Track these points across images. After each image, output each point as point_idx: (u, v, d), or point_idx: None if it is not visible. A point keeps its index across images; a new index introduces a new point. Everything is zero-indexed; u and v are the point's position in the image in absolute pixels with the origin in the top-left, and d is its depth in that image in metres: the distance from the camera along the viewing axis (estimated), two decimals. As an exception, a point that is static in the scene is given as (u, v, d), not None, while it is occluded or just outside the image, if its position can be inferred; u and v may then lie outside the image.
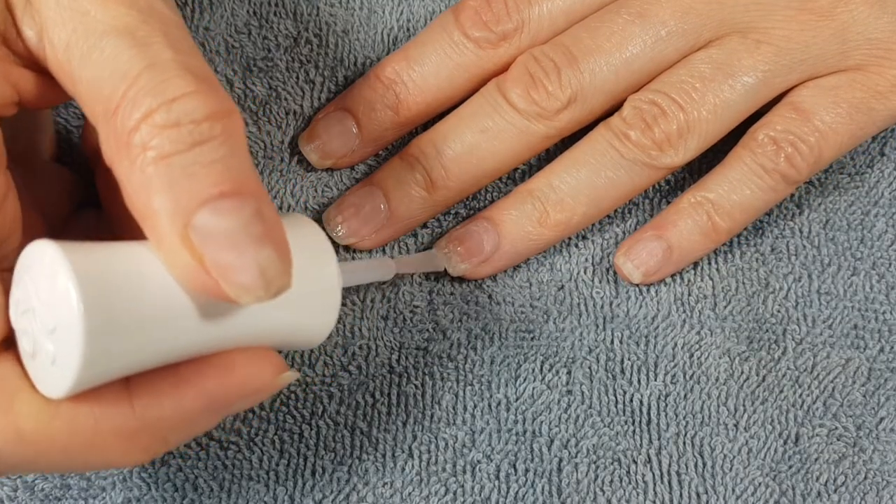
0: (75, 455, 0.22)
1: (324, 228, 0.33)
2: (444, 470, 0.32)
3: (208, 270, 0.21)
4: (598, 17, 0.33)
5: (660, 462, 0.33)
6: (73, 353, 0.20)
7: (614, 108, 0.33)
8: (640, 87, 0.33)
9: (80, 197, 0.30)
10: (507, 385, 0.33)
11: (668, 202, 0.35)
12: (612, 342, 0.34)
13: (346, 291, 0.33)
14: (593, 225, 0.35)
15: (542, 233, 0.33)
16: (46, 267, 0.21)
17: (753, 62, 0.32)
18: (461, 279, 0.34)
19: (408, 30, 0.35)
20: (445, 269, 0.33)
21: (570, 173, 0.33)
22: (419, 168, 0.33)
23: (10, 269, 0.23)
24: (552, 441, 0.33)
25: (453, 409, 0.33)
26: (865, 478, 0.33)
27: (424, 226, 0.35)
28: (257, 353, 0.24)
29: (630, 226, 0.35)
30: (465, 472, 0.32)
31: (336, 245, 0.33)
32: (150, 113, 0.21)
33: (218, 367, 0.23)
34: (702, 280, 0.35)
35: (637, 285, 0.34)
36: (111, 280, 0.21)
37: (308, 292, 0.25)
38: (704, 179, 0.33)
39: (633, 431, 0.33)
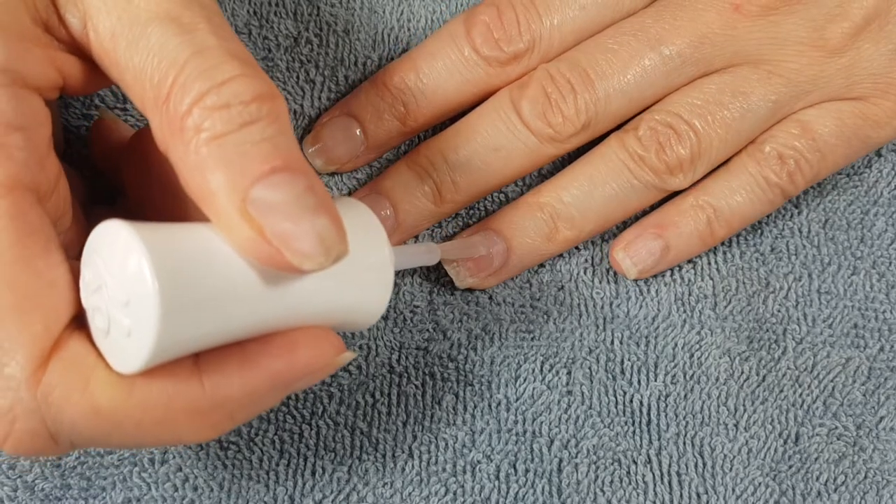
0: (148, 430, 0.23)
1: None
2: (444, 470, 0.32)
3: (269, 241, 0.21)
4: (613, 39, 0.33)
5: (660, 462, 0.33)
6: (148, 323, 0.21)
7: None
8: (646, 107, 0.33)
9: (86, 194, 0.30)
10: (507, 385, 0.33)
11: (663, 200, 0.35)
12: (612, 342, 0.34)
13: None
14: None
15: (549, 248, 0.33)
16: (118, 243, 0.22)
17: (765, 92, 0.32)
18: (461, 279, 0.34)
19: (408, 29, 0.35)
20: (445, 273, 0.33)
21: (582, 190, 0.33)
22: (428, 181, 0.33)
23: (66, 248, 0.24)
24: (552, 441, 0.33)
25: (453, 409, 0.33)
26: (865, 477, 0.33)
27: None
28: (319, 333, 0.25)
29: (626, 223, 0.35)
30: (465, 472, 0.32)
31: None
32: (200, 97, 0.22)
33: (282, 346, 0.24)
34: (702, 280, 0.35)
35: (633, 280, 0.34)
36: (181, 255, 0.22)
37: (363, 269, 0.26)
38: (706, 182, 0.33)
39: (634, 432, 0.33)
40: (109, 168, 0.30)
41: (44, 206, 0.23)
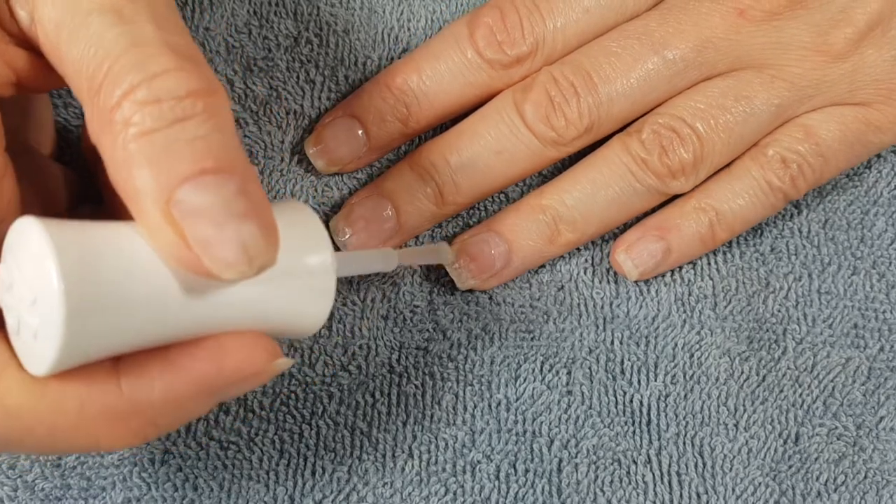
0: (61, 435, 0.22)
1: (330, 235, 0.33)
2: (444, 470, 0.32)
3: (190, 246, 0.21)
4: (617, 42, 0.32)
5: (660, 462, 0.33)
6: (54, 326, 0.20)
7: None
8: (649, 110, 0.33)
9: (78, 194, 0.30)
10: (507, 385, 0.33)
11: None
12: (612, 343, 0.34)
13: (346, 291, 0.33)
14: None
15: (551, 250, 0.33)
16: (29, 241, 0.21)
17: (768, 96, 0.32)
18: (461, 279, 0.34)
19: (408, 29, 0.35)
20: (445, 273, 0.33)
21: (585, 192, 0.33)
22: (431, 183, 0.33)
23: None
24: (552, 441, 0.33)
25: (453, 409, 0.33)
26: (865, 477, 0.33)
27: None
28: (250, 338, 0.24)
29: (627, 225, 0.35)
30: (465, 472, 0.32)
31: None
32: (131, 90, 0.21)
33: (209, 350, 0.23)
34: (702, 280, 0.35)
35: (634, 282, 0.35)
36: (94, 256, 0.21)
37: (301, 276, 0.25)
38: (709, 185, 0.33)
39: (633, 432, 0.33)
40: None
41: None
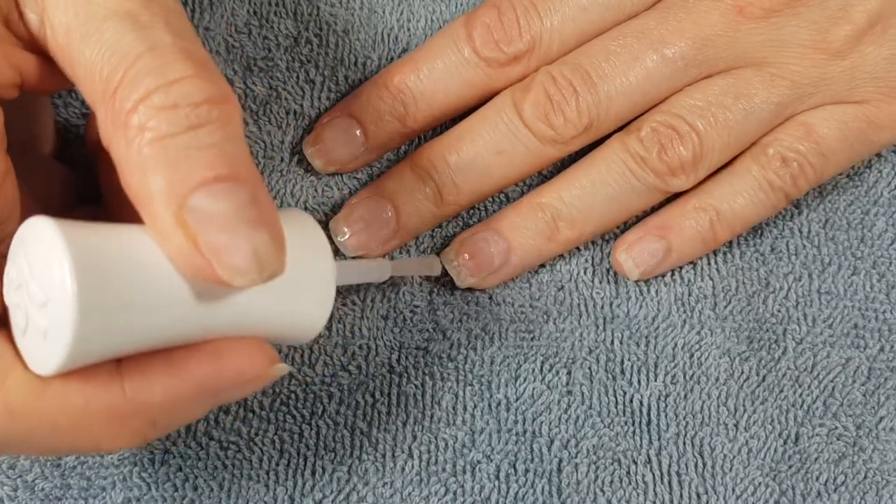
0: (64, 434, 0.22)
1: (329, 236, 0.33)
2: (444, 470, 0.32)
3: (202, 252, 0.21)
4: (616, 41, 0.32)
5: (660, 462, 0.33)
6: (65, 327, 0.20)
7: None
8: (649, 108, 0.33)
9: (79, 194, 0.30)
10: (507, 385, 0.33)
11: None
12: (612, 342, 0.34)
13: (346, 291, 0.33)
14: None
15: (550, 248, 0.33)
16: (41, 241, 0.21)
17: (768, 94, 0.32)
18: (461, 279, 0.34)
19: (408, 29, 0.35)
20: (446, 273, 0.33)
21: (584, 190, 0.33)
22: (430, 183, 0.33)
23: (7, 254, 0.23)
24: (552, 441, 0.33)
25: (453, 409, 0.33)
26: (865, 477, 0.33)
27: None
28: (249, 343, 0.24)
29: (628, 225, 0.35)
30: (465, 472, 0.32)
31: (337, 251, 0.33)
32: (148, 94, 0.21)
33: (209, 354, 0.23)
34: (702, 280, 0.35)
35: (635, 281, 0.35)
36: (106, 258, 0.21)
37: (302, 284, 0.25)
38: (709, 184, 0.33)
39: (633, 432, 0.33)
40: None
41: None
